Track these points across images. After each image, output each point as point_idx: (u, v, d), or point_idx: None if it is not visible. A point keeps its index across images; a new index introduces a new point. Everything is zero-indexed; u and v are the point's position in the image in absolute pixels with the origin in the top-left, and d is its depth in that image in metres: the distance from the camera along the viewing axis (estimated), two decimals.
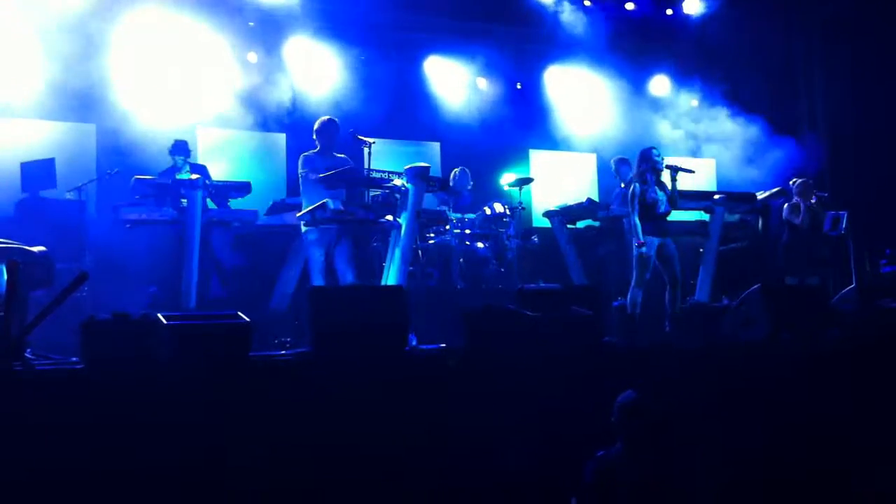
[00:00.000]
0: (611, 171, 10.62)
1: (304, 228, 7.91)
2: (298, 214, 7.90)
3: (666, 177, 8.24)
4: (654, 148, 8.30)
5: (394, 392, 5.47)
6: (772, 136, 11.98)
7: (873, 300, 7.60)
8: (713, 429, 5.79)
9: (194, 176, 8.42)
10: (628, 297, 8.05)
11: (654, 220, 8.06)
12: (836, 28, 12.12)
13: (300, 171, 8.03)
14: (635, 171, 8.27)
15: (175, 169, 9.00)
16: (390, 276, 7.83)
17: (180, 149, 9.10)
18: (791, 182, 9.98)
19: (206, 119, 10.55)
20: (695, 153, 12.91)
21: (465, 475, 5.40)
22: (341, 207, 7.60)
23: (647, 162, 8.13)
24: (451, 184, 9.68)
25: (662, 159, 8.20)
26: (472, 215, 9.82)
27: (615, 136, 12.32)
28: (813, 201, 9.72)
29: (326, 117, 8.33)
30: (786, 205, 9.91)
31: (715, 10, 12.55)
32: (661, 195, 8.10)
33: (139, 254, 8.35)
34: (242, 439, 4.94)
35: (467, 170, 10.25)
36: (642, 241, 7.94)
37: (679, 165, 8.29)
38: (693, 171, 8.50)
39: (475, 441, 5.46)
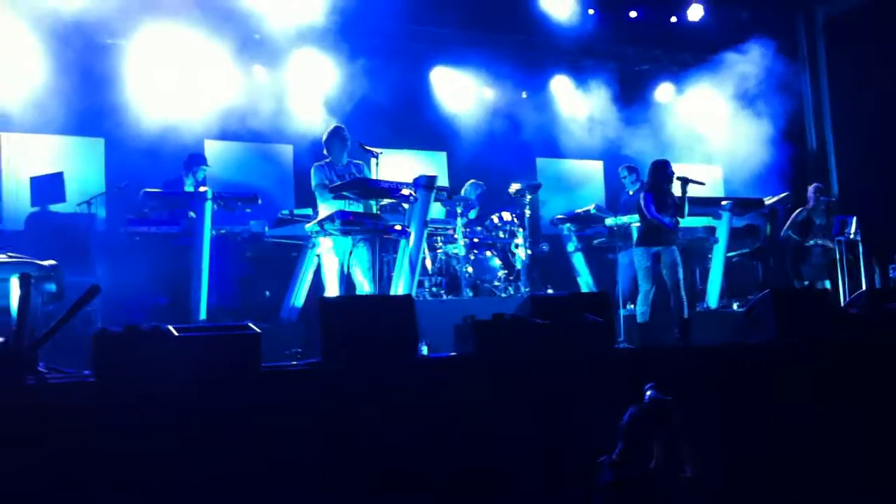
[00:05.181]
0: (617, 178, 10.65)
1: (317, 239, 7.92)
2: (308, 225, 7.93)
3: (676, 187, 8.34)
4: (667, 161, 8.44)
5: (404, 401, 5.47)
6: (779, 140, 11.97)
7: (883, 304, 7.59)
8: (722, 432, 5.78)
9: (203, 188, 8.46)
10: (637, 305, 8.11)
11: (658, 230, 8.13)
12: (842, 30, 12.12)
13: (313, 182, 8.05)
14: (647, 181, 8.36)
15: (182, 180, 9.05)
16: (399, 286, 7.85)
17: (197, 160, 9.14)
18: (810, 187, 9.98)
19: (214, 131, 10.60)
20: (701, 160, 12.91)
21: (477, 483, 5.40)
22: (351, 217, 7.62)
23: (660, 173, 8.25)
24: (462, 193, 9.72)
25: (673, 172, 8.31)
26: (473, 213, 9.82)
27: (622, 143, 12.34)
28: (810, 205, 9.70)
29: (334, 125, 8.35)
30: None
31: (718, 16, 12.57)
32: (669, 206, 8.21)
33: (149, 266, 8.38)
34: (253, 449, 4.94)
35: (481, 182, 10.28)
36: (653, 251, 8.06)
37: (689, 177, 8.39)
38: (703, 183, 8.63)
39: (487, 449, 5.46)
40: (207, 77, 10.47)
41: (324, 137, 8.25)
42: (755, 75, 12.23)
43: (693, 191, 8.81)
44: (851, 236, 9.44)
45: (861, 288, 8.28)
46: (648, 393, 4.73)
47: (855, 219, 9.47)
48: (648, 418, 4.55)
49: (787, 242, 9.81)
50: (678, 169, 8.54)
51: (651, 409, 4.60)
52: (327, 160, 8.12)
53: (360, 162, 8.18)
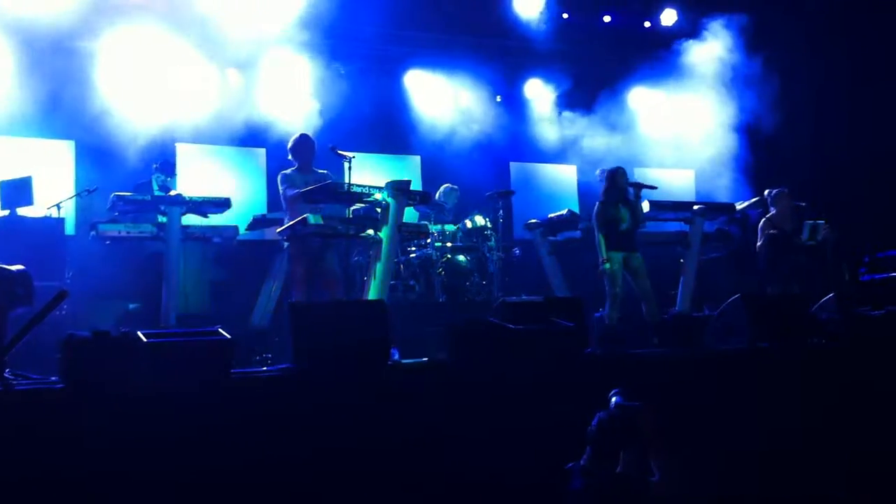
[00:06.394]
0: (591, 182, 10.65)
1: (285, 244, 7.89)
2: (279, 230, 7.89)
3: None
4: (619, 168, 8.65)
5: (376, 407, 5.46)
6: (752, 144, 12.03)
7: (852, 308, 7.66)
8: (694, 437, 5.80)
9: (173, 192, 8.40)
10: (606, 310, 8.18)
11: (617, 236, 8.25)
12: (816, 37, 12.21)
13: (280, 189, 8.01)
14: (602, 190, 8.49)
15: (152, 184, 8.97)
16: (372, 291, 7.82)
17: (166, 168, 9.06)
18: (766, 192, 10.00)
19: (186, 134, 10.50)
20: (674, 164, 12.95)
21: (450, 488, 5.39)
22: (322, 222, 7.58)
23: (611, 181, 8.38)
24: (436, 198, 9.71)
25: (627, 179, 8.45)
26: (451, 227, 9.83)
27: (596, 147, 12.36)
28: (772, 212, 9.74)
29: (299, 134, 8.29)
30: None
31: (692, 21, 12.64)
32: (624, 212, 8.30)
33: (119, 270, 8.30)
34: (224, 457, 4.91)
35: (456, 187, 10.28)
36: (606, 257, 8.24)
37: (641, 183, 8.55)
38: (655, 188, 8.76)
39: (458, 454, 5.45)
40: (179, 80, 10.37)
41: (289, 146, 8.18)
42: (729, 79, 12.29)
43: (665, 195, 8.86)
44: (820, 240, 9.50)
45: (831, 292, 8.31)
46: (614, 399, 4.74)
47: (824, 223, 9.54)
48: (617, 424, 4.56)
49: (760, 249, 9.86)
50: (648, 173, 8.61)
51: (619, 416, 4.61)
52: (295, 167, 8.08)
53: (324, 171, 8.15)
